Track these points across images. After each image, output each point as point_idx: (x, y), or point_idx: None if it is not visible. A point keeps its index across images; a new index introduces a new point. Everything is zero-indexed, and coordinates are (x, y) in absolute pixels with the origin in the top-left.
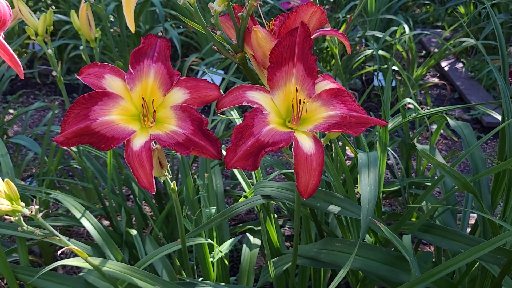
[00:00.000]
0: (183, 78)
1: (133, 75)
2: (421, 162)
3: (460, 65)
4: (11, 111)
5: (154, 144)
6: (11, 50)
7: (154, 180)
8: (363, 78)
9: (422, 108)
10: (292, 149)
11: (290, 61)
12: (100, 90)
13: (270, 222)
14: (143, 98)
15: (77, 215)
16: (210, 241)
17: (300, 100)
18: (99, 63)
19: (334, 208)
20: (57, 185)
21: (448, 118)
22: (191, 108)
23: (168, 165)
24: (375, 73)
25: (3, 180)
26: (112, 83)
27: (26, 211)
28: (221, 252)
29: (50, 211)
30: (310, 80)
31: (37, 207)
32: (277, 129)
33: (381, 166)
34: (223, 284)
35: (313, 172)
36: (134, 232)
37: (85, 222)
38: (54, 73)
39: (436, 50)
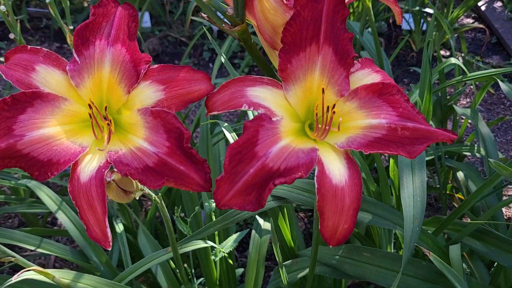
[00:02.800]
0: (155, 68)
1: (79, 65)
2: (458, 126)
3: (498, 4)
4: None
5: (109, 175)
6: None
7: (108, 228)
8: (390, 21)
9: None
10: (315, 177)
11: (314, 41)
12: (29, 89)
13: (282, 217)
14: (91, 104)
15: (53, 207)
16: (211, 243)
17: (328, 107)
18: (30, 46)
19: (365, 217)
20: None
21: (499, 81)
22: (166, 114)
23: None
24: (404, 15)
25: None
26: (48, 78)
27: None
28: (224, 252)
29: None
30: (342, 71)
31: None
32: (292, 146)
33: None
34: None
35: (345, 212)
36: (120, 228)
37: (61, 216)
38: (11, 36)
39: None
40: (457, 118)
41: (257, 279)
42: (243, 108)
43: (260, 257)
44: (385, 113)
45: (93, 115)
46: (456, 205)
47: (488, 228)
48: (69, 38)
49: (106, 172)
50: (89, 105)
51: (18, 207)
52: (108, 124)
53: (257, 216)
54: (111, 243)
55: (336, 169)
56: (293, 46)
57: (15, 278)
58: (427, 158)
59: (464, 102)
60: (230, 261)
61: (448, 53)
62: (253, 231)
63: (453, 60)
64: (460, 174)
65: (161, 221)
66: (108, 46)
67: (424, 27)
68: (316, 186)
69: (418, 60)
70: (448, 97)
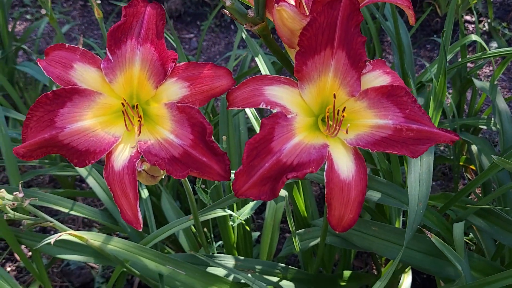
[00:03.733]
0: (180, 66)
1: (112, 64)
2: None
3: None
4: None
5: (140, 165)
6: None
7: (140, 213)
8: None
9: (481, 22)
10: (325, 172)
11: (328, 46)
12: (68, 86)
13: (297, 188)
14: (124, 102)
15: (83, 172)
16: (229, 212)
17: (338, 110)
18: (67, 45)
19: (373, 195)
20: None
21: None
22: (191, 109)
23: None
24: None
25: None
26: (85, 74)
27: (8, 202)
28: (241, 220)
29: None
30: (354, 73)
31: (21, 195)
32: (304, 143)
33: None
34: (237, 257)
35: (350, 204)
36: (145, 194)
37: (91, 180)
38: (43, 11)
39: None
40: (476, 89)
41: (272, 243)
42: (261, 106)
43: (275, 222)
44: (392, 114)
45: (126, 112)
46: (469, 176)
47: (492, 208)
48: (97, 12)
49: (137, 162)
50: (122, 104)
51: (51, 170)
52: (139, 120)
53: None
54: (141, 225)
55: (345, 165)
56: (308, 49)
57: (53, 241)
58: None
59: (487, 71)
60: (247, 227)
61: (473, 19)
62: None
63: (473, 37)
64: (474, 148)
65: (182, 184)
66: (138, 46)
67: None
68: (325, 180)
69: (442, 26)
70: (472, 64)
